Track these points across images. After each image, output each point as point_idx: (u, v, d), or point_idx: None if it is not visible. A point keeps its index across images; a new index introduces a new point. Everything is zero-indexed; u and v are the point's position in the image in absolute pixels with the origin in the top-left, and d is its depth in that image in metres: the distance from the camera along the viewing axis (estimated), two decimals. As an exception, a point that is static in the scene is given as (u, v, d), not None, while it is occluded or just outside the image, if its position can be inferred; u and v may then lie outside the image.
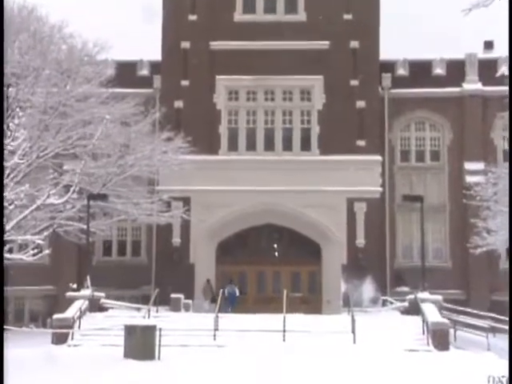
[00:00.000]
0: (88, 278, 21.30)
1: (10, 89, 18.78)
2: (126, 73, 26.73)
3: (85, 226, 21.80)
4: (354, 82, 26.59)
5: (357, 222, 26.15)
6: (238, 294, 24.67)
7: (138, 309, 22.91)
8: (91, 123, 21.10)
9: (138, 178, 23.69)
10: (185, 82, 26.95)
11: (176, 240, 26.40)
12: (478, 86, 27.13)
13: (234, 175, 26.04)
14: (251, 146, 26.95)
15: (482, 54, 27.51)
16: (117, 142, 22.28)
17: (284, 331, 18.04)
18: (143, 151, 22.51)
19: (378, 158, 26.50)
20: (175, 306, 23.85)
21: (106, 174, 22.40)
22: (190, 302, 24.65)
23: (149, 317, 20.27)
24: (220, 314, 19.47)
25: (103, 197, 21.85)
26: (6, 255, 17.57)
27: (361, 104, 26.57)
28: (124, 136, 22.41)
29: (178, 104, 26.91)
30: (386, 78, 27.46)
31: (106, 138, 21.24)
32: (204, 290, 24.87)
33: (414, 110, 27.62)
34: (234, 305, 24.42)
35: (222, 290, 22.68)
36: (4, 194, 16.15)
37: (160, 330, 15.62)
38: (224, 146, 26.96)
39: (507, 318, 18.58)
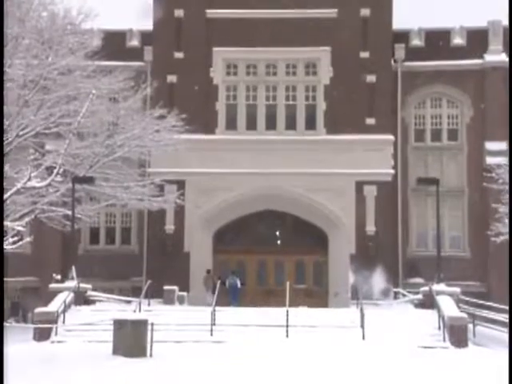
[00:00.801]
0: (73, 268, 21.26)
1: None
2: (113, 44, 26.50)
3: (70, 212, 21.75)
4: (365, 54, 26.44)
5: (366, 207, 26.13)
6: (239, 285, 24.83)
7: (128, 302, 22.95)
8: (76, 99, 20.93)
9: (127, 160, 23.62)
10: (178, 55, 26.80)
11: (169, 227, 26.38)
12: (502, 57, 26.69)
13: (232, 156, 26.02)
14: (251, 124, 26.93)
15: (506, 22, 26.68)
16: (104, 119, 22.21)
17: (287, 326, 18.04)
18: (133, 130, 22.42)
19: (390, 137, 26.43)
20: (169, 299, 23.91)
21: (93, 154, 22.31)
22: (184, 294, 24.71)
23: (140, 310, 20.24)
24: (218, 308, 19.57)
25: (90, 180, 21.77)
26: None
27: (371, 78, 26.42)
28: (112, 113, 22.31)
29: (172, 78, 26.75)
30: (400, 50, 27.25)
31: (92, 115, 21.08)
32: (205, 281, 24.84)
33: (430, 85, 27.42)
34: (236, 298, 24.58)
35: (219, 282, 22.66)
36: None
37: (152, 324, 15.60)
38: (222, 125, 26.89)
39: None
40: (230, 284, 24.83)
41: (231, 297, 24.71)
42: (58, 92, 20.49)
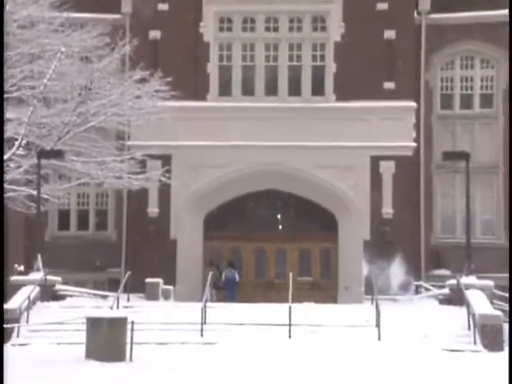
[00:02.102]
0: (39, 257, 21.20)
1: None
2: (86, -8, 26.33)
3: (35, 192, 21.70)
4: (382, 6, 26.26)
5: (383, 186, 26.16)
6: (238, 279, 25.24)
7: (104, 297, 23.02)
8: (41, 58, 20.70)
9: (103, 131, 23.58)
10: (163, 6, 26.63)
11: (153, 210, 26.40)
12: (549, 6, 26.40)
13: (226, 127, 26.00)
14: (248, 89, 26.88)
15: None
16: (75, 83, 22.17)
17: (289, 325, 18.05)
18: (110, 96, 22.30)
19: (412, 104, 26.31)
20: (152, 294, 24.04)
21: (62, 124, 22.20)
22: (170, 288, 24.86)
23: (118, 307, 20.29)
24: (209, 304, 19.65)
25: (58, 154, 21.66)
26: None
27: (390, 34, 26.24)
28: (84, 75, 22.14)
29: (155, 34, 26.59)
30: (424, 0, 26.98)
31: (60, 77, 21.03)
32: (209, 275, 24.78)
33: (459, 41, 27.17)
34: (233, 293, 24.85)
35: (211, 274, 22.67)
36: None
37: (132, 323, 15.60)
38: (214, 90, 26.83)
39: None
40: (227, 277, 25.04)
41: (228, 292, 24.91)
42: (18, 49, 20.24)
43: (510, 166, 23.61)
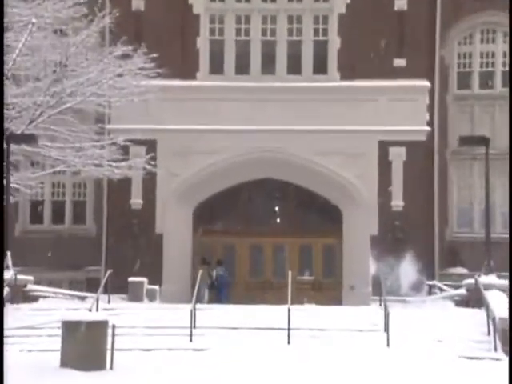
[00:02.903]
0: (8, 254, 21.06)
1: None
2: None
3: (3, 181, 21.41)
4: (393, -27, 26.35)
5: (393, 175, 26.22)
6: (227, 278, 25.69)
7: (82, 298, 23.07)
8: (9, 30, 20.48)
9: (80, 113, 23.53)
10: (147, -27, 26.62)
11: (136, 201, 26.46)
12: None
13: (218, 109, 26.05)
14: (243, 67, 26.94)
15: None
16: (49, 58, 21.95)
17: (288, 329, 18.00)
18: (88, 73, 22.15)
19: (425, 83, 26.34)
20: (135, 295, 24.11)
21: (34, 105, 22.11)
22: (155, 288, 24.94)
23: (97, 309, 20.31)
24: (199, 306, 19.70)
25: (30, 138, 21.57)
26: None
27: (401, 5, 26.27)
28: (59, 51, 21.96)
29: (138, 5, 26.60)
30: (439, -34, 27.17)
31: (32, 52, 20.78)
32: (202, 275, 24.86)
33: (479, 12, 27.10)
34: (225, 294, 25.05)
35: (201, 272, 22.74)
36: None
37: (113, 327, 15.49)
38: (204, 68, 26.89)
39: None
40: (219, 276, 25.20)
41: (220, 293, 25.08)
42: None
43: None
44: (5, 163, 21.22)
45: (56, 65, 22.26)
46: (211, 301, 24.43)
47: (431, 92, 26.53)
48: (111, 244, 26.33)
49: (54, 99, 22.11)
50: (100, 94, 22.70)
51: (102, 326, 15.49)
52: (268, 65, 26.79)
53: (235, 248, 27.01)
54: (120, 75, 22.82)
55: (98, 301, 20.61)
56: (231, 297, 25.08)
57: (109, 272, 23.04)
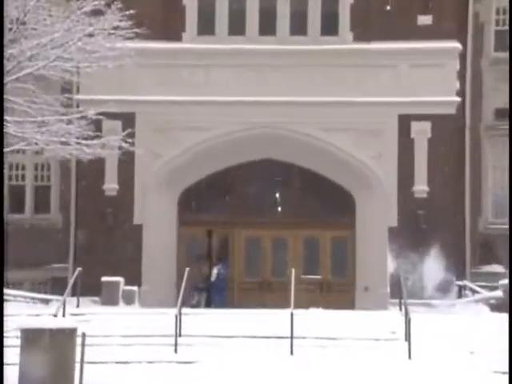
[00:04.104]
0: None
1: None
2: None
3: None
4: None
5: (416, 155, 26.22)
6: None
7: (46, 301, 23.26)
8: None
9: (43, 81, 23.28)
10: None
11: (111, 186, 26.51)
12: None
13: (208, 77, 26.17)
14: (237, 27, 26.93)
15: None
16: (3, 14, 21.56)
17: (291, 338, 18.04)
18: (52, 33, 21.85)
19: (455, 45, 26.22)
20: (109, 297, 24.24)
21: (-14, 71, 21.86)
22: (134, 289, 25.06)
23: (64, 315, 20.38)
24: (186, 310, 19.90)
25: (-18, 111, 21.40)
26: None
27: (426, -51, 26.34)
28: (16, 4, 21.66)
29: (112, -50, 26.39)
30: None
31: (-19, 6, 20.52)
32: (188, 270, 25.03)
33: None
34: (222, 295, 25.45)
35: (187, 269, 22.63)
36: None
37: (83, 336, 15.38)
38: (192, 28, 26.88)
39: None
40: (220, 275, 25.65)
41: (216, 294, 25.49)
42: None
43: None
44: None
45: (12, 22, 21.94)
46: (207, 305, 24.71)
47: (462, 56, 26.43)
48: (81, 237, 26.31)
49: (10, 64, 21.81)
50: (66, 58, 22.32)
51: (69, 334, 15.34)
52: (267, 24, 26.73)
53: (228, 242, 27.10)
54: (90, 35, 22.45)
55: (64, 304, 20.57)
56: (223, 300, 25.40)
57: (78, 270, 22.99)
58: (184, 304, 21.04)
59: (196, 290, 25.51)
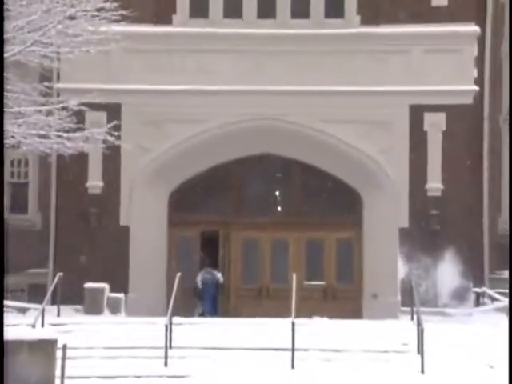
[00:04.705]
0: None
1: None
2: None
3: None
4: None
5: (428, 150, 26.24)
6: (222, 280, 26.14)
7: (23, 310, 23.20)
8: None
9: (20, 68, 23.21)
10: None
11: (95, 184, 26.55)
12: None
13: (201, 64, 26.16)
14: (233, 9, 26.98)
15: None
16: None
17: (292, 350, 18.05)
18: (29, 15, 21.71)
19: (473, 28, 26.17)
20: (93, 305, 24.24)
21: (-44, 56, 21.81)
22: (120, 296, 25.05)
23: (43, 324, 20.31)
24: (177, 320, 19.82)
25: (-49, 100, 21.37)
26: None
27: None
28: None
29: None
30: None
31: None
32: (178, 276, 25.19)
33: None
34: (213, 303, 25.61)
35: (178, 275, 22.70)
36: None
37: (64, 348, 15.45)
38: (183, 9, 26.94)
39: None
40: (205, 282, 25.55)
41: (206, 303, 25.50)
42: None
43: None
44: None
45: (-17, 2, 22.05)
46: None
47: (481, 40, 26.34)
48: (61, 240, 26.28)
49: (-17, 49, 21.90)
50: (45, 43, 22.20)
51: (49, 346, 15.28)
52: (266, 6, 26.75)
53: (224, 244, 27.08)
54: (72, 18, 22.38)
55: (43, 314, 20.54)
56: (212, 308, 25.55)
57: (58, 276, 23.01)
58: (179, 313, 21.09)
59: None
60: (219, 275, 25.86)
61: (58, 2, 22.03)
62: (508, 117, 25.14)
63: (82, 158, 25.09)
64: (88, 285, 24.37)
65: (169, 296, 22.34)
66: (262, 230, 26.77)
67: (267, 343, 18.85)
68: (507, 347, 16.26)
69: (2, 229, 16.88)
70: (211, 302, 25.62)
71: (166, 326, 18.60)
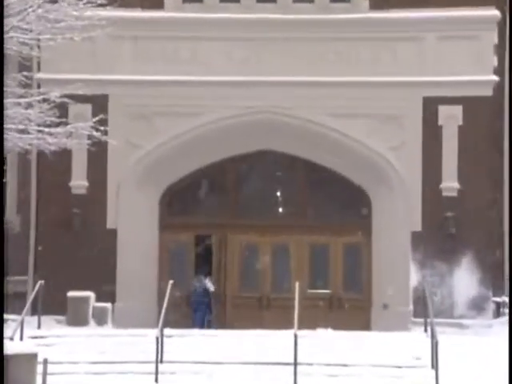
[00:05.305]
0: None
1: None
2: None
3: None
4: None
5: (443, 146, 26.20)
6: (212, 289, 26.14)
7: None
8: None
9: None
10: None
11: (79, 183, 26.57)
12: None
13: (195, 52, 26.20)
14: None
15: None
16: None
17: (295, 365, 18.16)
18: (6, -2, 21.72)
19: (493, 12, 26.05)
20: (77, 316, 24.28)
21: None
22: (107, 305, 25.09)
23: (22, 337, 20.44)
24: (169, 332, 20.08)
25: None
26: None
27: None
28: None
29: None
30: None
31: None
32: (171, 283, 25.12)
33: None
34: (205, 315, 25.65)
35: (170, 282, 22.78)
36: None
37: (45, 362, 15.71)
38: None
39: None
40: (196, 291, 25.67)
41: (196, 314, 25.57)
42: None
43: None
44: None
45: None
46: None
47: (501, 26, 26.20)
48: (42, 244, 26.25)
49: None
50: (25, 29, 22.26)
51: (28, 361, 15.45)
52: (266, -10, 26.86)
53: (220, 249, 27.02)
54: (53, 1, 22.29)
55: (23, 325, 20.60)
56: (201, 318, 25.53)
57: (39, 284, 23.00)
58: (171, 324, 21.08)
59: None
60: (209, 283, 25.81)
61: (36, -17, 22.02)
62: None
63: (64, 155, 24.84)
64: (71, 293, 24.35)
65: (160, 306, 22.50)
66: (262, 234, 26.78)
67: (267, 357, 18.90)
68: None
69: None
70: (201, 312, 25.60)
71: (157, 339, 18.68)
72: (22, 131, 22.59)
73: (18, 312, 21.64)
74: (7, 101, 22.66)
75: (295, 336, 18.34)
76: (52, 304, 23.43)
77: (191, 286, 25.78)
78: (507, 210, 26.28)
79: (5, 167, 27.81)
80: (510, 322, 19.02)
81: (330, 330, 22.37)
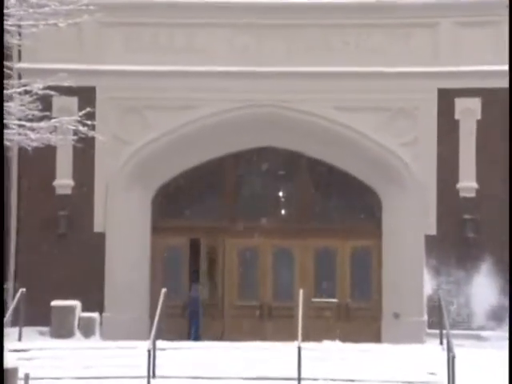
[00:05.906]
0: None
1: None
2: None
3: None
4: None
5: (460, 142, 26.26)
6: (199, 298, 26.31)
7: None
8: None
9: None
10: None
11: (64, 183, 26.64)
12: None
13: (190, 40, 26.31)
14: None
15: None
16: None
17: (299, 380, 18.15)
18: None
19: (511, -3, 26.26)
20: (62, 327, 24.38)
21: None
22: (94, 315, 25.16)
23: (1, 350, 19.71)
24: (162, 344, 20.11)
25: None
26: None
27: None
28: None
29: None
30: None
31: None
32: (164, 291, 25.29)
33: None
34: (197, 323, 25.84)
35: (163, 290, 22.71)
36: None
37: (27, 378, 15.66)
38: None
39: None
40: (191, 298, 25.89)
41: (191, 323, 25.84)
42: None
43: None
44: None
45: None
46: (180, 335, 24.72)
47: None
48: (24, 249, 26.25)
49: None
50: (6, 15, 22.30)
51: (8, 376, 15.61)
52: (267, -29, 26.88)
53: (217, 254, 27.12)
54: (36, -15, 22.48)
55: (2, 337, 20.18)
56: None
57: (20, 292, 23.09)
58: (164, 336, 21.07)
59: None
60: (197, 292, 26.05)
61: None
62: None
63: (48, 152, 24.98)
64: (55, 303, 24.38)
65: (152, 316, 22.57)
66: (262, 237, 26.86)
67: (268, 372, 18.81)
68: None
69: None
70: (193, 322, 25.78)
71: (149, 352, 18.60)
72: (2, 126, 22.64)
73: (-2, 322, 21.71)
74: (-14, 95, 22.84)
75: (299, 349, 18.27)
76: (34, 314, 23.50)
77: (189, 294, 25.87)
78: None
79: (-19, 166, 28.25)
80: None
81: (337, 342, 22.46)
